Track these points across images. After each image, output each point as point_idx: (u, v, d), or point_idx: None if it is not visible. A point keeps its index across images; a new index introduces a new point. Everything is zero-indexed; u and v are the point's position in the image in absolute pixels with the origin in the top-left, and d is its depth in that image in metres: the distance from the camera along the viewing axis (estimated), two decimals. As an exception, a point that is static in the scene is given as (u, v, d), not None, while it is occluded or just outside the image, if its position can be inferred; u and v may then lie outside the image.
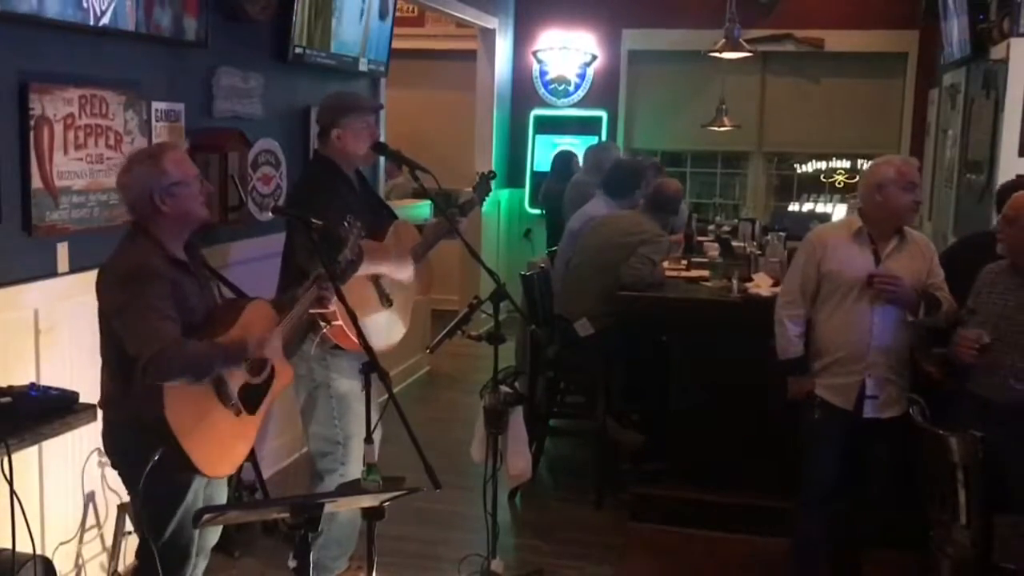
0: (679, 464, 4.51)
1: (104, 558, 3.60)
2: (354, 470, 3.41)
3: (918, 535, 3.53)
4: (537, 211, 8.60)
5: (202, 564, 2.99)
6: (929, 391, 3.41)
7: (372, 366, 2.71)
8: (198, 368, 2.57)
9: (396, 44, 5.92)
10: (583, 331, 4.75)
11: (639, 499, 4.50)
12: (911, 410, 3.24)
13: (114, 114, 3.55)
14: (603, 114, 8.61)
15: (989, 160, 5.17)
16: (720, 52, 6.61)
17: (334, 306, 3.01)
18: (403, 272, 3.54)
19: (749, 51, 6.66)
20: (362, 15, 5.37)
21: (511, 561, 3.97)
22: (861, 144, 8.48)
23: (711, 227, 6.75)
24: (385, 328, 3.47)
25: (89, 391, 2.95)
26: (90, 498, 3.53)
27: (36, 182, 3.21)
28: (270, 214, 4.31)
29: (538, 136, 8.75)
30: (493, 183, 3.98)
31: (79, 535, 3.51)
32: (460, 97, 8.63)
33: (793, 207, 8.23)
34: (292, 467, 4.87)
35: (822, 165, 8.73)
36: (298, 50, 4.72)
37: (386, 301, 3.49)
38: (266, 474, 4.23)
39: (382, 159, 6.00)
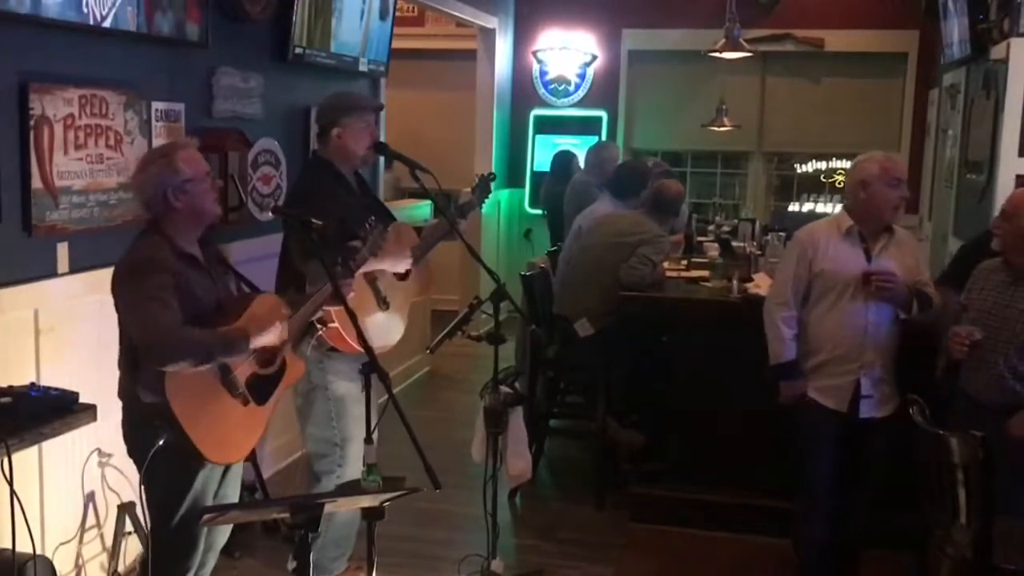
0: (679, 464, 4.51)
1: (104, 558, 3.60)
2: (351, 472, 3.41)
3: (918, 535, 3.53)
4: (537, 211, 8.60)
5: (211, 562, 3.01)
6: (929, 391, 3.41)
7: (372, 366, 2.72)
8: (197, 353, 2.60)
9: (396, 44, 5.92)
10: (583, 331, 4.75)
11: (639, 499, 4.50)
12: (911, 410, 3.23)
13: (114, 114, 3.55)
14: (603, 114, 8.61)
15: (989, 160, 5.17)
16: (720, 52, 6.61)
17: (331, 307, 3.02)
18: (400, 265, 3.53)
19: (749, 51, 6.66)
20: (362, 15, 5.37)
21: (511, 561, 3.97)
22: (861, 144, 8.36)
23: (711, 227, 6.75)
24: (382, 329, 3.47)
25: (89, 391, 2.95)
26: (90, 498, 3.53)
27: (36, 182, 3.21)
28: (270, 214, 4.31)
29: (538, 136, 8.75)
30: (492, 184, 3.96)
31: (79, 535, 3.51)
32: (460, 97, 8.63)
33: (793, 207, 8.23)
34: (292, 467, 4.87)
35: (822, 165, 8.72)
36: (298, 50, 4.72)
37: (383, 303, 3.49)
38: (266, 474, 4.23)
39: (382, 159, 6.00)
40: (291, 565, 2.28)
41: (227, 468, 2.93)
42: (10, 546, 2.64)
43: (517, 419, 3.68)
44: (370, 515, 2.53)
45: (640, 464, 4.78)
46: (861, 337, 3.49)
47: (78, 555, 3.51)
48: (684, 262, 5.49)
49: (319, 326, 3.16)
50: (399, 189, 8.29)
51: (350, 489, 3.02)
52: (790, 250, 3.66)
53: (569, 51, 8.56)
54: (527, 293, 5.07)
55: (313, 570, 2.35)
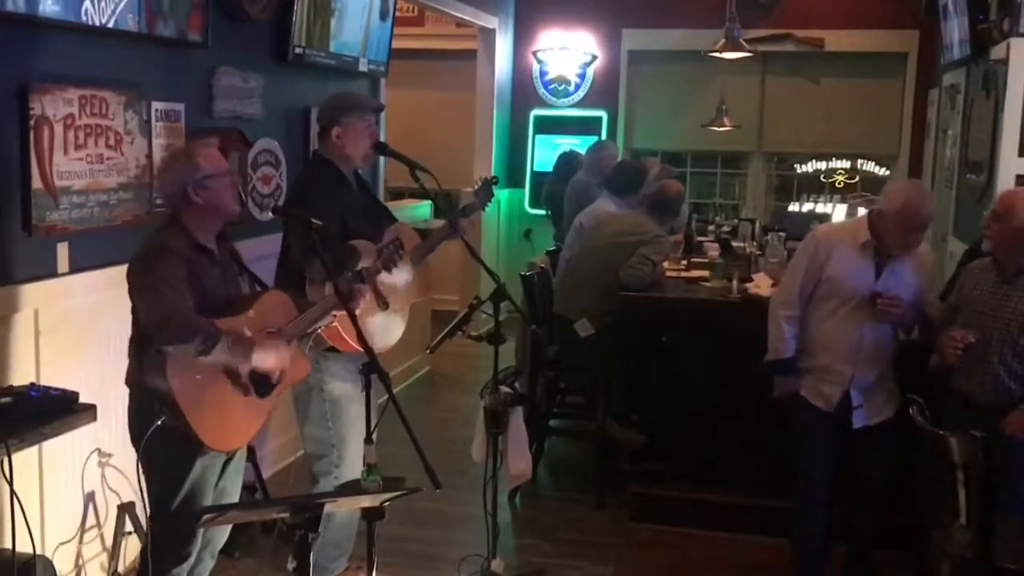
0: (679, 464, 4.50)
1: (104, 558, 3.60)
2: (349, 473, 3.42)
3: (918, 535, 3.53)
4: (537, 212, 8.60)
5: (210, 564, 3.01)
6: (928, 391, 3.41)
7: (372, 366, 2.72)
8: (197, 337, 2.63)
9: (396, 44, 5.92)
10: (583, 331, 4.75)
11: (639, 499, 4.50)
12: (911, 410, 3.24)
13: (114, 114, 3.55)
14: (603, 114, 8.61)
15: (989, 160, 5.17)
16: (720, 52, 6.61)
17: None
18: (399, 275, 3.53)
19: (749, 51, 6.66)
20: (362, 15, 5.37)
21: (511, 561, 3.97)
22: (861, 144, 8.48)
23: (711, 227, 6.74)
24: (381, 330, 3.47)
25: (89, 391, 2.95)
26: (90, 498, 3.53)
27: (36, 182, 3.21)
28: (270, 214, 4.31)
29: (538, 136, 8.75)
30: (495, 187, 3.96)
31: (79, 535, 3.51)
32: (460, 97, 8.63)
33: (793, 207, 8.21)
34: (292, 467, 4.86)
35: (822, 165, 8.72)
36: (298, 50, 4.72)
37: (382, 303, 3.49)
38: (266, 474, 4.22)
39: (382, 159, 6.00)
40: (291, 565, 2.28)
41: (227, 461, 2.94)
42: (10, 546, 2.64)
43: (517, 419, 3.68)
44: (370, 515, 2.52)
45: (640, 464, 4.78)
46: (854, 351, 3.47)
47: (78, 555, 3.51)
48: (684, 262, 5.48)
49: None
50: (389, 189, 8.28)
51: (350, 489, 3.02)
52: (805, 247, 3.60)
53: (569, 51, 8.56)
54: (527, 293, 5.07)
55: (313, 570, 2.35)
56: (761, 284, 4.52)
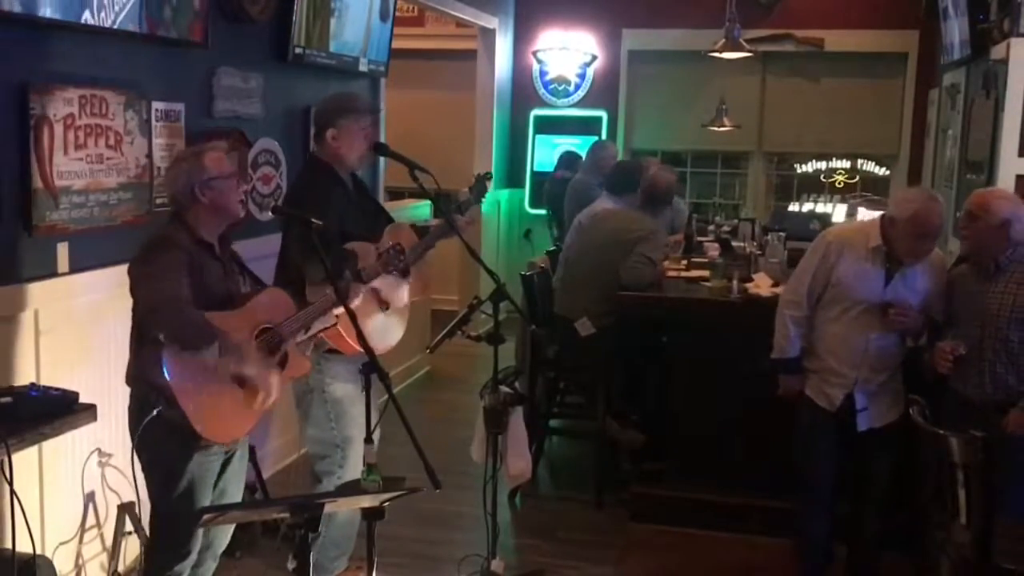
0: (679, 464, 4.50)
1: (104, 558, 3.60)
2: (352, 473, 3.42)
3: (918, 535, 3.53)
4: (536, 211, 8.61)
5: (212, 565, 3.01)
6: (929, 391, 3.41)
7: (372, 366, 2.72)
8: (187, 328, 2.66)
9: (396, 44, 5.92)
10: (584, 330, 4.74)
11: (639, 499, 4.50)
12: (911, 410, 3.24)
13: (114, 114, 3.55)
14: (603, 114, 8.61)
15: (989, 160, 5.17)
16: (720, 52, 6.61)
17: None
18: (396, 294, 3.53)
19: (749, 51, 6.66)
20: (363, 15, 5.37)
21: (511, 561, 3.97)
22: (861, 144, 8.48)
23: (711, 227, 6.74)
24: (381, 331, 3.47)
25: (89, 391, 2.95)
26: (90, 498, 3.53)
27: (36, 182, 3.21)
28: (270, 214, 4.31)
29: (538, 136, 8.75)
30: (490, 184, 3.96)
31: (79, 535, 3.51)
32: (460, 97, 8.63)
33: (793, 207, 8.21)
34: (292, 467, 4.87)
35: (822, 165, 8.72)
36: (298, 50, 4.72)
37: (383, 305, 3.49)
38: (266, 474, 4.22)
39: (382, 160, 6.00)
40: (291, 564, 2.28)
41: (226, 462, 2.94)
42: (10, 546, 2.64)
43: (517, 419, 3.68)
44: (370, 515, 2.52)
45: (640, 464, 4.78)
46: (859, 356, 3.47)
47: (78, 555, 3.51)
48: (684, 262, 5.48)
49: None
50: (389, 189, 8.28)
51: (350, 489, 3.02)
52: (815, 249, 3.58)
53: (569, 51, 8.56)
54: (527, 293, 5.07)
55: (313, 570, 2.35)
56: (761, 284, 4.52)
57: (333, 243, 3.15)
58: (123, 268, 2.84)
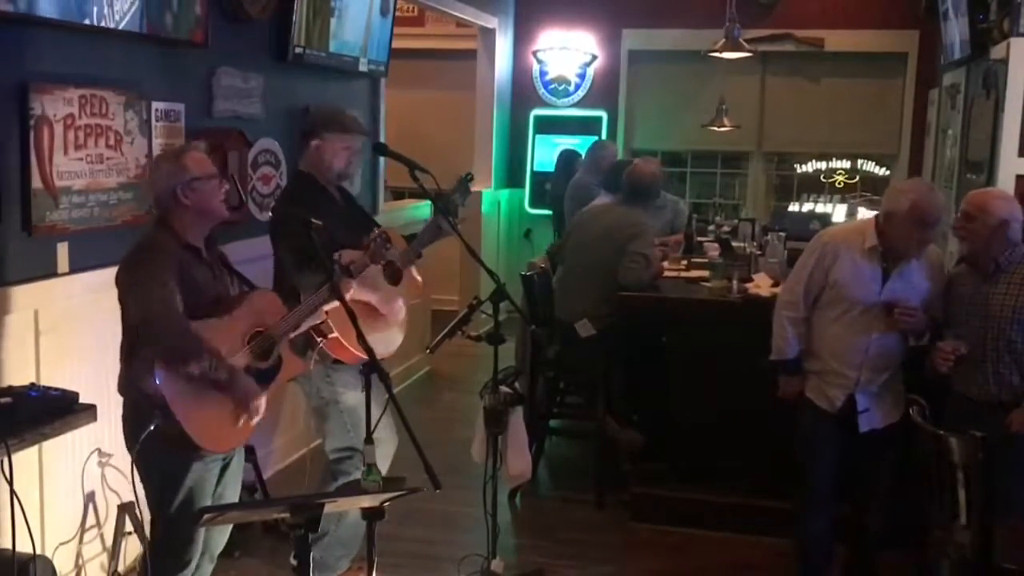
0: (679, 464, 4.50)
1: (104, 558, 3.60)
2: None
3: (918, 535, 3.53)
4: (536, 211, 8.61)
5: (208, 567, 3.01)
6: (929, 391, 3.41)
7: (372, 367, 2.71)
8: (179, 340, 2.63)
9: (396, 44, 5.92)
10: (584, 332, 4.74)
11: (639, 499, 4.50)
12: (911, 410, 3.24)
13: (114, 114, 3.55)
14: (603, 114, 8.61)
15: (989, 160, 5.17)
16: (720, 52, 6.60)
17: (328, 319, 3.02)
18: (390, 308, 3.53)
19: (749, 51, 6.65)
20: (363, 15, 5.36)
21: (511, 561, 3.97)
22: (861, 144, 8.48)
23: (711, 227, 6.74)
24: (382, 338, 3.47)
25: (89, 391, 2.95)
26: (90, 498, 3.53)
27: (36, 182, 3.21)
28: (270, 214, 4.31)
29: (538, 136, 8.74)
30: (471, 184, 3.95)
31: (79, 535, 3.51)
32: (460, 97, 8.63)
33: (793, 207, 8.21)
34: (292, 467, 4.87)
35: (822, 165, 8.72)
36: (298, 50, 4.72)
37: (380, 318, 3.49)
38: (267, 474, 4.23)
39: (383, 160, 6.00)
40: (294, 562, 2.28)
41: (225, 466, 2.94)
42: (10, 546, 2.64)
43: (517, 419, 3.68)
44: (370, 515, 2.52)
45: (640, 464, 4.77)
46: (860, 357, 3.44)
47: (78, 555, 3.51)
48: (684, 262, 5.48)
49: (319, 339, 3.17)
50: (389, 189, 8.27)
51: (350, 489, 3.02)
52: (809, 251, 3.56)
53: (569, 51, 8.56)
54: (527, 293, 5.06)
55: (317, 568, 2.35)
56: (761, 284, 4.52)
57: (324, 249, 3.14)
58: (123, 268, 2.84)
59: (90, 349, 3.41)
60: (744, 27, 6.63)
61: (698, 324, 4.43)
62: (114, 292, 2.76)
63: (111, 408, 3.13)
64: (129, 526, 3.42)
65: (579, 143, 8.16)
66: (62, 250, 3.38)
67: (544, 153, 8.67)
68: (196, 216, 2.84)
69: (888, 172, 8.45)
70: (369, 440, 2.75)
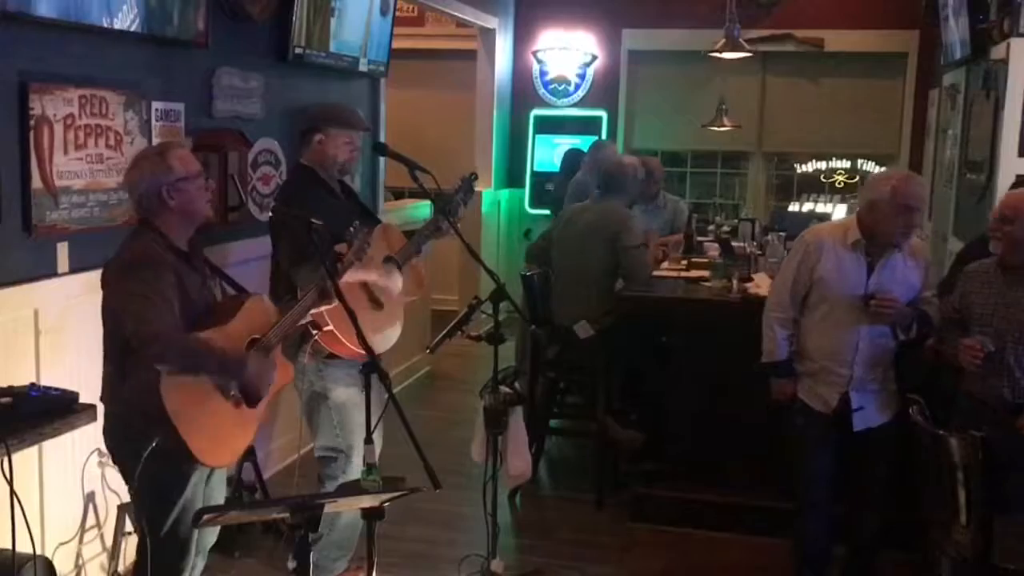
0: (679, 464, 4.50)
1: (104, 558, 3.60)
2: (357, 475, 3.42)
3: (918, 535, 3.53)
4: (536, 211, 8.60)
5: (200, 564, 2.99)
6: (929, 391, 3.41)
7: (372, 367, 2.72)
8: (191, 361, 2.60)
9: (396, 44, 5.91)
10: (583, 333, 4.74)
11: (639, 499, 4.50)
12: (911, 410, 3.23)
13: (114, 114, 3.55)
14: (603, 114, 8.61)
15: (989, 160, 5.17)
16: (720, 52, 6.60)
17: (325, 312, 3.02)
18: (391, 282, 3.54)
19: (749, 51, 6.66)
20: (363, 15, 5.36)
21: (511, 561, 3.97)
22: (861, 144, 8.48)
23: (711, 227, 6.74)
24: (379, 333, 3.47)
25: (89, 391, 2.95)
26: (90, 498, 3.53)
27: (36, 182, 3.21)
28: (270, 214, 4.31)
29: (538, 136, 8.74)
30: (475, 184, 3.96)
31: (79, 535, 3.51)
32: (460, 97, 8.63)
33: (793, 207, 8.21)
34: (292, 467, 4.86)
35: (822, 165, 8.72)
36: (298, 50, 4.72)
37: (376, 305, 3.49)
38: (266, 474, 4.23)
39: (383, 160, 6.00)
40: (291, 564, 2.28)
41: (212, 470, 2.92)
42: (10, 546, 2.64)
43: (517, 419, 3.68)
44: (370, 515, 2.52)
45: (640, 464, 4.77)
46: (851, 353, 3.44)
47: (78, 555, 3.51)
48: (684, 262, 5.48)
49: (313, 331, 3.16)
50: (389, 189, 8.27)
51: (350, 489, 3.02)
52: (794, 251, 3.59)
53: (569, 51, 8.56)
54: (527, 293, 5.06)
55: (314, 570, 2.35)
56: (761, 284, 4.52)
57: (324, 245, 3.14)
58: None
59: (90, 349, 3.40)
60: (744, 27, 6.63)
61: (698, 324, 4.43)
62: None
63: (111, 408, 3.13)
64: (129, 526, 3.42)
65: (580, 143, 8.15)
66: (62, 250, 3.38)
67: (544, 153, 8.67)
68: (181, 217, 2.75)
69: (888, 172, 8.44)
70: (369, 440, 2.75)
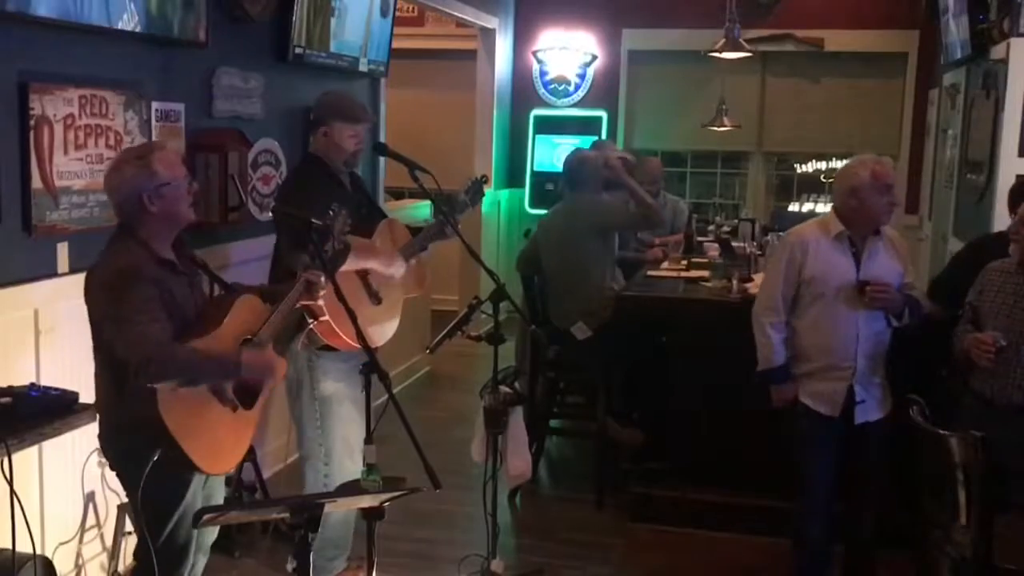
0: (679, 464, 4.50)
1: (104, 558, 3.60)
2: (338, 471, 3.43)
3: (918, 535, 3.53)
4: (536, 211, 8.58)
5: (202, 561, 2.99)
6: (929, 391, 3.41)
7: (372, 367, 2.72)
8: (189, 373, 2.57)
9: (396, 44, 5.91)
10: (581, 334, 4.75)
11: (639, 499, 4.50)
12: (911, 410, 3.23)
13: (114, 114, 3.55)
14: (603, 114, 8.60)
15: (989, 160, 5.17)
16: (720, 52, 6.60)
17: (322, 301, 3.00)
18: (393, 268, 3.55)
19: (749, 51, 6.65)
20: (363, 15, 5.36)
21: (511, 561, 3.97)
22: (861, 144, 8.42)
23: (711, 227, 6.75)
24: (375, 326, 3.47)
25: (89, 391, 2.94)
26: (90, 498, 3.53)
27: (36, 182, 3.21)
28: (270, 214, 4.31)
29: (538, 136, 8.74)
30: (488, 186, 3.97)
31: (79, 535, 3.51)
32: (460, 97, 8.63)
33: (793, 207, 8.23)
34: (292, 467, 4.86)
35: (822, 165, 8.72)
36: (298, 50, 4.72)
37: (375, 299, 3.50)
38: (266, 474, 4.23)
39: (383, 160, 6.00)
40: (291, 566, 2.28)
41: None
42: (10, 546, 2.64)
43: (517, 419, 3.68)
44: (370, 515, 2.52)
45: (640, 464, 4.77)
46: (852, 345, 3.45)
47: (78, 555, 3.51)
48: (684, 262, 5.49)
49: (310, 320, 3.15)
50: (389, 189, 8.26)
51: (350, 489, 3.02)
52: (779, 253, 3.61)
53: (569, 51, 8.56)
54: (527, 293, 5.06)
55: (313, 570, 2.35)
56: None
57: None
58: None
59: (90, 349, 3.39)
60: (744, 27, 6.62)
61: (698, 324, 4.43)
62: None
63: (111, 408, 3.13)
64: (129, 526, 3.42)
65: (578, 143, 8.14)
66: (62, 250, 3.38)
67: (544, 153, 8.67)
68: (162, 223, 2.66)
69: (888, 172, 8.43)
70: (369, 440, 2.75)
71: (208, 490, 2.90)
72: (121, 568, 3.52)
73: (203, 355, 2.61)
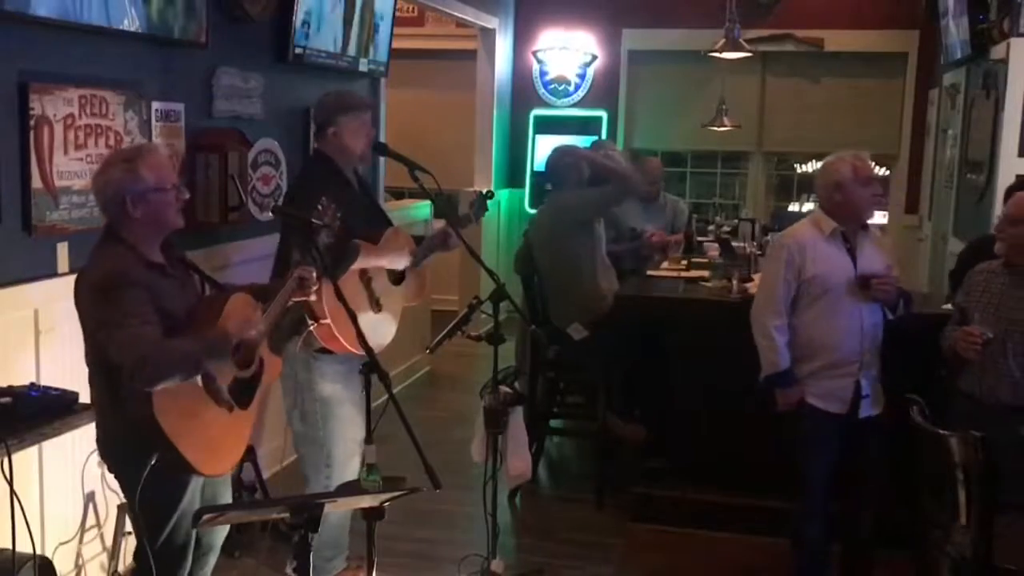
0: (679, 464, 4.50)
1: (104, 558, 3.60)
2: (338, 472, 3.43)
3: (917, 535, 3.53)
4: (536, 211, 8.59)
5: (212, 560, 2.99)
6: (928, 391, 3.41)
7: (372, 367, 2.71)
8: (185, 366, 2.54)
9: (396, 44, 5.92)
10: (577, 335, 4.76)
11: (639, 499, 4.50)
12: (911, 410, 3.23)
13: (114, 114, 3.55)
14: (603, 114, 8.60)
15: (989, 160, 5.17)
16: (720, 52, 6.60)
17: (324, 304, 3.00)
18: (399, 261, 3.55)
19: (749, 51, 6.65)
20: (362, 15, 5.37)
21: (511, 561, 3.97)
22: (861, 144, 8.33)
23: (711, 227, 6.75)
24: (373, 330, 3.47)
25: (89, 391, 2.95)
26: (90, 498, 3.53)
27: (36, 182, 3.21)
28: (270, 214, 4.31)
29: (538, 136, 8.74)
30: (489, 203, 3.97)
31: (79, 535, 3.51)
32: (460, 97, 8.63)
33: (793, 207, 8.22)
34: (292, 467, 4.86)
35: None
36: (298, 50, 4.72)
37: (375, 305, 3.49)
38: (266, 474, 4.22)
39: (382, 160, 6.00)
40: (290, 567, 2.28)
41: None
42: (10, 546, 2.64)
43: (517, 419, 3.68)
44: (370, 515, 2.52)
45: (643, 460, 4.77)
46: (858, 339, 3.48)
47: (78, 555, 3.51)
48: (684, 262, 5.48)
49: (310, 322, 3.14)
50: (389, 189, 8.27)
51: (350, 489, 3.02)
52: (775, 256, 3.61)
53: (569, 51, 8.56)
54: (527, 293, 5.07)
55: (313, 571, 2.35)
56: (761, 284, 4.52)
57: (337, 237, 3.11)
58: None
59: (90, 349, 3.41)
60: (744, 27, 6.62)
61: (698, 324, 4.43)
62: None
63: (111, 408, 3.13)
64: (129, 526, 3.42)
65: (580, 144, 8.14)
66: (62, 250, 3.38)
67: (544, 153, 8.65)
68: (147, 228, 2.62)
69: (888, 172, 8.45)
70: (369, 440, 2.75)
71: (213, 491, 2.90)
72: (121, 568, 3.52)
73: (192, 342, 2.58)
